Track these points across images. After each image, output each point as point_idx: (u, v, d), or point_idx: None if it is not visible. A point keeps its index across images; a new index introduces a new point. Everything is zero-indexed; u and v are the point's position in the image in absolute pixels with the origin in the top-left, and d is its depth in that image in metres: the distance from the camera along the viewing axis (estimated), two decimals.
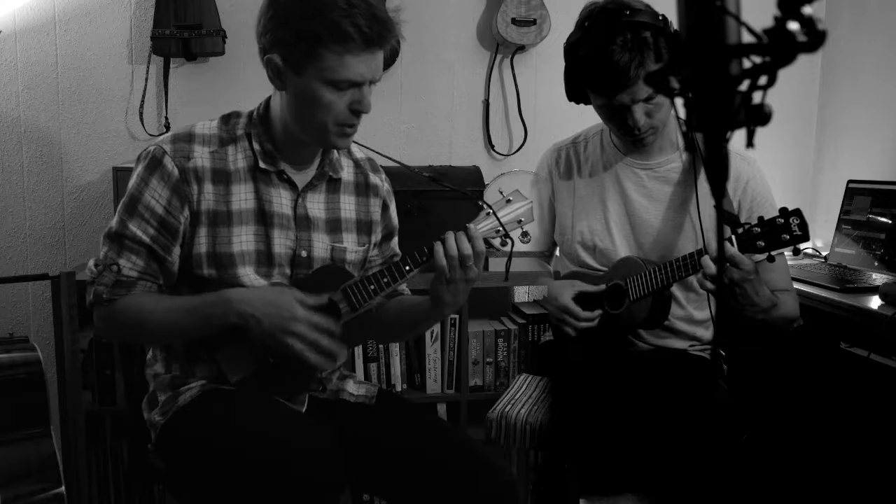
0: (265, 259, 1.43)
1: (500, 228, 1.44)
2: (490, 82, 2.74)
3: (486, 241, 1.42)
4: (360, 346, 2.42)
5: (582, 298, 1.74)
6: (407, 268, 1.42)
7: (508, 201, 1.45)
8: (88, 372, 2.25)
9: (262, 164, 1.42)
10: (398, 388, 2.47)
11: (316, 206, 1.49)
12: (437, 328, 2.45)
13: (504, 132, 2.78)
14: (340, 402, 1.55)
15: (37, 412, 1.74)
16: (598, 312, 1.72)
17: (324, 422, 1.41)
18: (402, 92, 2.70)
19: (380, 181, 1.61)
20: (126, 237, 1.38)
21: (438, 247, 1.37)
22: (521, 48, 2.66)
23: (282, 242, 1.44)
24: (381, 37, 1.31)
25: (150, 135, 2.51)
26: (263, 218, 1.43)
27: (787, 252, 1.55)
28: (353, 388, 1.57)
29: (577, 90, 1.72)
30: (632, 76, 1.58)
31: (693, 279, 1.69)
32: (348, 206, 1.54)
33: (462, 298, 1.44)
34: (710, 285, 1.55)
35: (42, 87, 2.48)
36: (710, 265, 1.53)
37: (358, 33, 1.28)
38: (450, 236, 1.38)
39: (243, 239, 1.41)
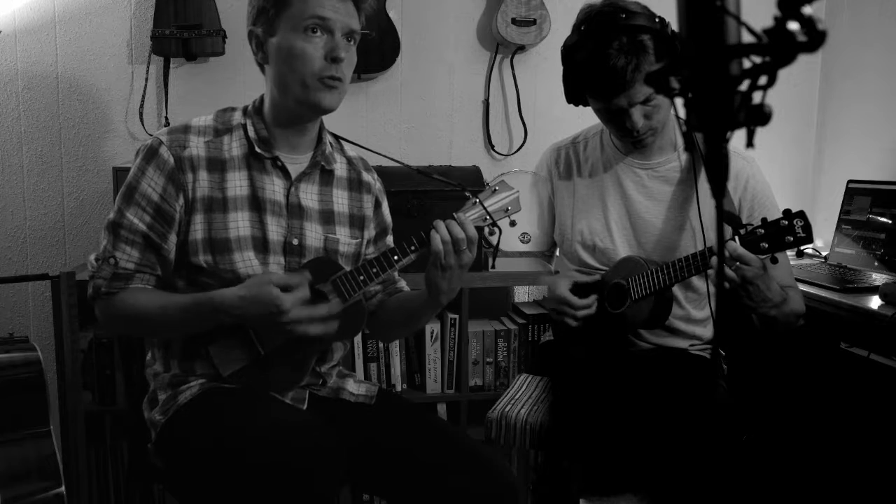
0: (261, 245, 1.44)
1: (487, 217, 1.45)
2: (490, 82, 2.74)
3: (483, 237, 1.44)
4: (360, 346, 2.42)
5: (578, 290, 1.75)
6: (396, 257, 1.43)
7: (494, 191, 1.46)
8: (88, 372, 2.25)
9: (257, 150, 1.44)
10: (398, 388, 2.47)
11: (309, 196, 1.50)
12: (437, 328, 2.45)
13: (504, 132, 2.78)
14: (340, 401, 1.55)
15: (37, 412, 1.74)
16: (593, 297, 1.73)
17: (324, 421, 1.41)
18: (402, 92, 2.70)
19: (372, 179, 1.63)
20: (123, 226, 1.40)
21: (434, 233, 1.38)
22: (521, 48, 2.66)
23: (275, 229, 1.45)
24: None
25: (150, 135, 2.49)
26: (257, 204, 1.44)
27: (790, 252, 1.55)
28: (353, 388, 1.57)
29: (575, 93, 1.72)
30: (628, 80, 1.58)
31: (693, 278, 1.69)
32: (341, 199, 1.55)
33: (457, 284, 1.44)
34: (735, 277, 1.54)
35: (42, 87, 2.48)
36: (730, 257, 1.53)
37: None
38: (440, 223, 1.39)
39: (239, 225, 1.42)
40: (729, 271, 1.54)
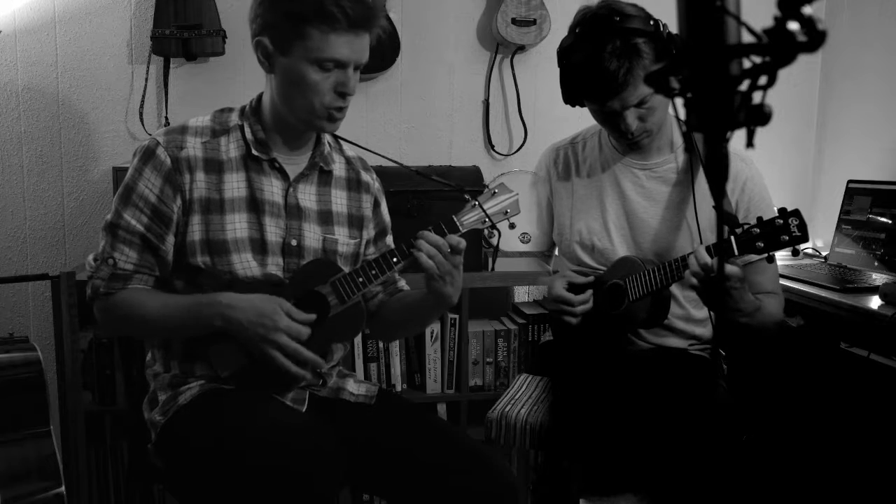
0: (259, 246, 1.44)
1: (486, 220, 1.46)
2: (490, 82, 2.74)
3: (483, 238, 1.44)
4: (360, 346, 2.42)
5: (573, 290, 1.75)
6: (395, 259, 1.43)
7: (494, 193, 1.47)
8: (88, 372, 2.25)
9: (254, 152, 1.45)
10: (398, 388, 2.46)
11: (307, 196, 1.50)
12: (437, 328, 2.45)
13: (504, 132, 2.78)
14: (340, 401, 1.55)
15: (37, 412, 1.74)
16: (589, 293, 1.74)
17: (324, 421, 1.41)
18: (402, 92, 2.70)
19: (371, 179, 1.63)
20: (120, 227, 1.41)
21: (419, 253, 1.39)
22: (521, 48, 2.66)
23: (273, 231, 1.45)
24: (365, 19, 1.37)
25: (150, 135, 2.50)
26: (255, 206, 1.44)
27: (786, 253, 1.55)
28: (354, 388, 1.57)
29: (571, 95, 1.72)
30: (621, 83, 1.58)
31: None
32: (340, 200, 1.56)
33: (460, 282, 1.45)
34: (695, 281, 1.55)
35: (42, 87, 2.48)
36: (693, 264, 1.54)
37: (342, 14, 1.33)
38: (423, 244, 1.39)
39: (237, 226, 1.43)
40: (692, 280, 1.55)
